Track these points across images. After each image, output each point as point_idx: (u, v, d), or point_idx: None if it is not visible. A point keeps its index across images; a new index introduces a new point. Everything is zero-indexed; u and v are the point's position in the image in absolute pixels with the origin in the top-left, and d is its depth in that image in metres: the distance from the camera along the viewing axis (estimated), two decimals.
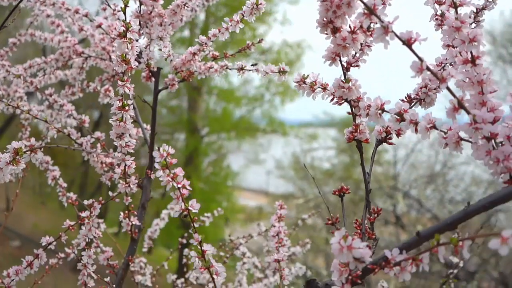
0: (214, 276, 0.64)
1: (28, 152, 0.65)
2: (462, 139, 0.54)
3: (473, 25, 0.71)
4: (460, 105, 0.51)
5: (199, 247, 0.65)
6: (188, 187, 0.62)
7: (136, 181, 0.90)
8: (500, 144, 0.53)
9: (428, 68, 0.50)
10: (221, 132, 11.59)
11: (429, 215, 6.47)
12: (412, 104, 0.68)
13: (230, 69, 0.97)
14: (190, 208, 0.63)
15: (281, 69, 0.85)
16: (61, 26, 1.21)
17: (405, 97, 0.69)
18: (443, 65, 0.68)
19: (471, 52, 0.53)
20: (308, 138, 11.21)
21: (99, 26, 1.04)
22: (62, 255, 1.12)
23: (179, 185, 0.62)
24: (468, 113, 0.51)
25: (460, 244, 0.45)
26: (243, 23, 0.88)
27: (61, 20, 1.24)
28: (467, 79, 0.54)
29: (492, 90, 0.53)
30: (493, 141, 0.52)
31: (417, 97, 0.68)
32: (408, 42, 0.50)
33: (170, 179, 0.61)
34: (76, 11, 1.09)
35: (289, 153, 9.85)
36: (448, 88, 0.51)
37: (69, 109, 1.10)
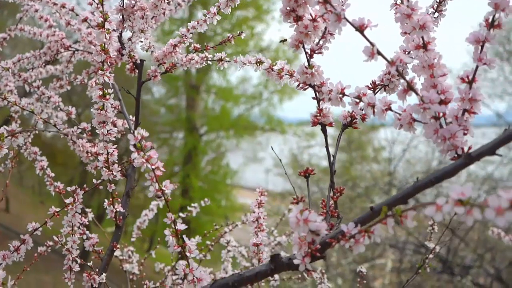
0: (187, 254, 0.68)
1: (10, 137, 0.69)
2: (415, 119, 0.57)
3: (436, 14, 0.74)
4: (409, 87, 0.55)
5: (173, 226, 0.68)
6: (162, 169, 0.66)
7: (119, 169, 0.93)
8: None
9: (379, 53, 0.53)
10: (220, 130, 11.64)
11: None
12: (377, 90, 0.72)
13: (210, 60, 1.00)
14: (163, 188, 0.66)
15: (258, 60, 0.88)
16: (49, 21, 1.24)
17: (370, 83, 0.72)
18: (406, 52, 0.71)
19: (422, 38, 0.56)
20: (306, 136, 11.26)
21: (85, 20, 1.07)
22: (50, 242, 1.16)
23: (153, 167, 0.65)
24: (417, 94, 0.54)
25: (404, 215, 0.48)
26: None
27: (49, 15, 1.28)
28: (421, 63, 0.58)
29: (442, 73, 0.56)
30: (443, 120, 0.56)
31: (381, 83, 0.71)
32: (360, 28, 0.54)
33: (145, 161, 0.65)
34: (63, 6, 1.12)
35: (286, 151, 9.89)
36: (398, 71, 0.54)
37: (56, 100, 1.14)
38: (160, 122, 11.52)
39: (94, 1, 1.02)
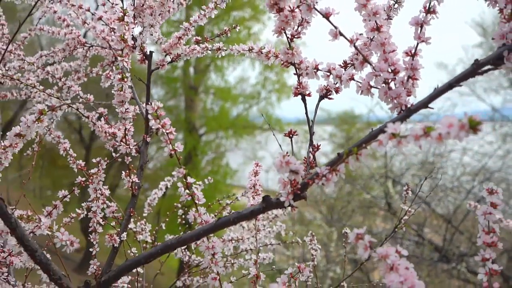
0: (196, 201, 0.84)
1: (50, 111, 0.85)
2: (371, 86, 0.74)
3: (396, 5, 0.91)
4: (364, 60, 0.71)
5: (184, 181, 0.85)
6: (174, 133, 0.82)
7: (135, 143, 1.10)
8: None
9: (340, 33, 0.70)
10: (219, 130, 11.80)
11: (420, 202, 6.68)
12: (348, 67, 0.88)
13: (210, 50, 1.17)
14: (176, 148, 0.82)
15: (250, 48, 1.04)
16: (66, 21, 1.40)
17: (342, 63, 0.88)
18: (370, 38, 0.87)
19: (375, 22, 0.73)
20: (305, 134, 11.39)
21: (100, 18, 1.23)
22: (74, 214, 1.32)
23: (168, 131, 0.81)
24: (370, 64, 0.70)
25: (359, 152, 0.65)
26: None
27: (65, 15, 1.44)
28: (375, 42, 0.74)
29: (392, 50, 0.73)
30: (393, 85, 0.72)
31: (351, 62, 0.87)
32: (326, 15, 0.70)
33: (161, 126, 0.81)
34: (80, 7, 1.29)
35: (284, 147, 10.02)
36: (355, 47, 0.71)
37: (76, 89, 1.30)
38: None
39: (109, 1, 1.18)
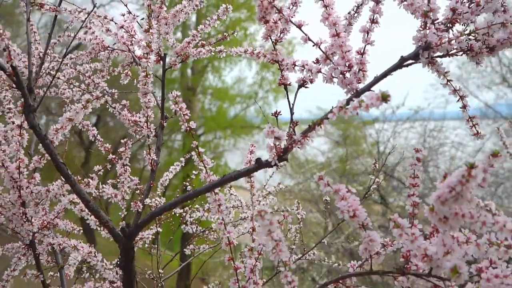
0: (206, 166, 1.12)
1: (95, 100, 1.13)
2: (333, 76, 1.01)
3: (356, 14, 1.18)
4: (327, 57, 0.99)
5: (197, 150, 1.12)
6: (188, 114, 1.10)
7: (155, 127, 1.37)
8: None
9: (309, 39, 0.97)
10: (217, 130, 12.05)
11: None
12: (318, 63, 1.15)
13: (213, 52, 1.45)
14: (190, 125, 1.10)
15: (246, 50, 1.32)
16: (92, 28, 1.67)
17: (315, 59, 1.16)
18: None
19: (335, 29, 1.01)
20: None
21: (122, 27, 1.51)
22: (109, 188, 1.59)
23: (184, 113, 1.09)
24: (331, 60, 0.98)
25: (322, 123, 0.92)
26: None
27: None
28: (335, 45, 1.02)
29: (347, 50, 1.00)
30: (348, 75, 1.00)
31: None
32: (299, 26, 0.98)
33: (178, 110, 1.09)
34: (105, 17, 1.56)
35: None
36: (320, 48, 0.98)
37: (103, 86, 1.57)
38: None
39: (130, 13, 1.46)
